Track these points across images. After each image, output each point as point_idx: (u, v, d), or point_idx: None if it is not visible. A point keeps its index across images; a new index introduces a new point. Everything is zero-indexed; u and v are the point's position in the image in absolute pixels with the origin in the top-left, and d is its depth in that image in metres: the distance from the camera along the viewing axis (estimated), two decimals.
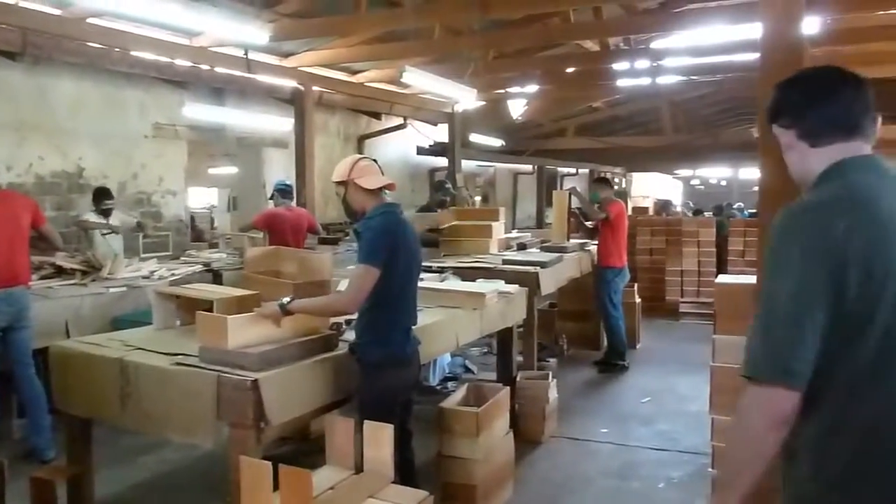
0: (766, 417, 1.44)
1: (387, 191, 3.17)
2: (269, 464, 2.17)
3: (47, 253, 4.92)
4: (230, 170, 11.80)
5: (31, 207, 4.56)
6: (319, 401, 2.96)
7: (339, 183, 3.13)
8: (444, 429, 3.74)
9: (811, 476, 1.51)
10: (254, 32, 5.72)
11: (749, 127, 14.37)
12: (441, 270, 5.30)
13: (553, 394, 5.12)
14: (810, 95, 1.63)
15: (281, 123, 9.14)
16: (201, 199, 16.29)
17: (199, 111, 8.42)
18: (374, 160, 3.22)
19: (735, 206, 18.19)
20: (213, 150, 10.56)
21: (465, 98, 8.41)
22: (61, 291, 5.03)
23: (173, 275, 5.84)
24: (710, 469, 3.63)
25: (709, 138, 15.16)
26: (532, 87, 10.69)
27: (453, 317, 4.11)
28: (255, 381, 2.66)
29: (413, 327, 3.19)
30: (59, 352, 3.24)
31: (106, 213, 6.80)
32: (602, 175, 8.82)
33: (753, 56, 6.91)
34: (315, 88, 8.92)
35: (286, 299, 2.93)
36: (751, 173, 28.87)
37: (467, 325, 4.23)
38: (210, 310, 3.11)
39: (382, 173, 3.19)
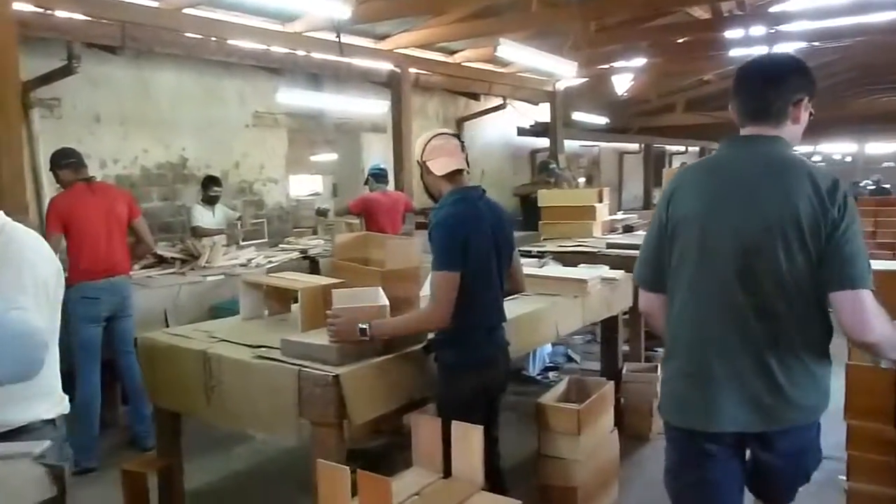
0: None
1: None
2: (347, 470, 1.98)
3: (138, 252, 4.89)
4: (331, 156, 11.89)
5: (127, 199, 4.60)
6: (405, 397, 2.75)
7: (418, 163, 2.87)
8: (543, 426, 3.48)
9: None
10: (337, 6, 5.56)
11: (881, 97, 13.26)
12: (540, 255, 5.03)
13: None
14: None
15: (378, 107, 9.04)
16: (306, 186, 16.56)
17: (296, 98, 8.42)
18: (455, 135, 2.90)
19: (867, 183, 16.54)
20: (314, 137, 10.61)
21: (566, 71, 8.02)
22: (160, 280, 5.09)
23: (270, 262, 5.83)
24: (841, 478, 3.17)
25: (832, 111, 14.09)
26: (638, 61, 10.17)
27: (553, 305, 3.83)
28: (337, 376, 2.49)
29: (502, 323, 2.87)
30: (147, 344, 3.18)
31: (213, 201, 6.90)
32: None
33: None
34: (412, 70, 8.78)
35: (363, 325, 2.62)
36: (880, 147, 26.90)
37: (568, 314, 3.93)
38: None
39: (463, 149, 2.85)
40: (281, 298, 3.49)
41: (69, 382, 4.26)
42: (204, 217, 6.82)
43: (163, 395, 3.13)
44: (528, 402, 3.74)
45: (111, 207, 4.40)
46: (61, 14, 5.62)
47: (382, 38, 8.13)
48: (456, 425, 2.47)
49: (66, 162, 4.43)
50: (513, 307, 3.55)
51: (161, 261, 5.53)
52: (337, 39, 6.76)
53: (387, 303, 2.86)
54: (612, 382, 3.93)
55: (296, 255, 6.07)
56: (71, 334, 4.24)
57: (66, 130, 6.64)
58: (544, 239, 6.00)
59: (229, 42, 6.86)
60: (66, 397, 2.28)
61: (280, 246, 6.76)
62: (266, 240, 7.56)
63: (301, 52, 7.60)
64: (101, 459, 4.24)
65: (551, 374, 5.78)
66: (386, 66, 8.48)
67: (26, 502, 1.69)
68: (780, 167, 1.98)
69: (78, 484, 3.88)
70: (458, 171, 2.80)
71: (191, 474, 3.46)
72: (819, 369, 2.03)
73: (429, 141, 2.82)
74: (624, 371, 4.77)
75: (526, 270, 4.19)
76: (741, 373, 2.00)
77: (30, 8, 5.42)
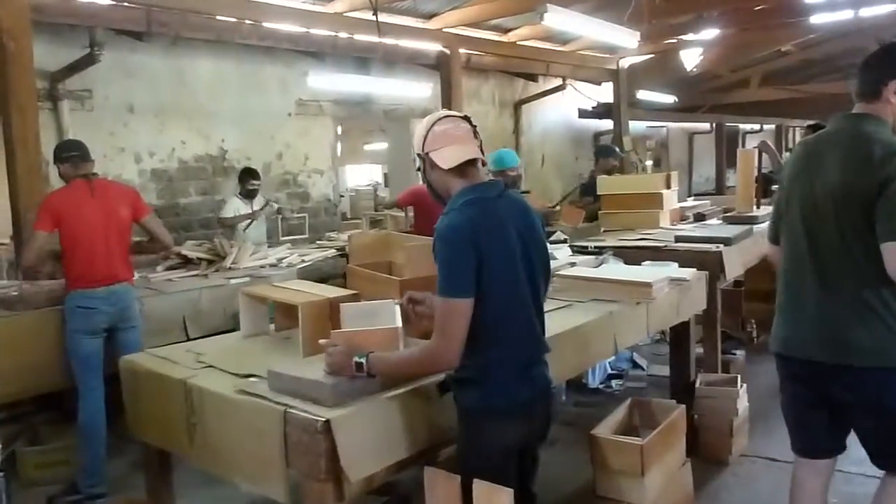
0: None
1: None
2: None
3: (156, 250, 4.49)
4: (383, 145, 11.47)
5: (131, 197, 4.15)
6: (415, 446, 2.20)
7: (418, 156, 2.24)
8: (599, 463, 2.91)
9: None
10: None
11: None
12: (598, 251, 4.41)
13: (743, 403, 4.11)
14: None
15: (428, 92, 8.49)
16: (361, 176, 16.27)
17: (342, 83, 7.94)
18: (465, 117, 2.25)
19: None
20: (366, 125, 10.21)
21: (626, 42, 7.25)
22: (179, 284, 4.68)
23: (303, 261, 5.38)
24: None
25: None
26: (708, 33, 9.33)
27: (610, 315, 3.22)
28: (327, 422, 1.98)
29: (543, 356, 2.25)
30: (128, 367, 2.74)
31: (251, 195, 6.54)
32: (814, 123, 7.36)
33: None
34: (462, 51, 8.20)
35: (360, 359, 2.09)
36: None
37: (629, 325, 3.31)
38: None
39: (477, 135, 2.21)
40: (289, 311, 2.99)
41: (73, 399, 3.98)
42: (240, 210, 6.45)
43: (145, 428, 2.69)
44: (587, 416, 3.17)
45: (111, 208, 3.97)
46: None
47: (430, 16, 7.59)
48: (479, 486, 1.94)
49: (67, 155, 4.02)
50: (561, 319, 2.98)
51: (186, 261, 5.14)
52: (374, 16, 6.23)
53: (399, 325, 2.33)
54: (682, 407, 3.32)
55: (332, 253, 5.60)
56: (69, 348, 3.87)
57: (98, 123, 6.35)
58: (604, 231, 5.35)
59: (264, 25, 6.44)
60: None
61: (317, 243, 6.30)
62: (307, 235, 7.15)
63: (343, 35, 7.13)
64: (108, 485, 3.86)
65: (615, 383, 5.17)
66: (434, 47, 7.93)
67: None
68: (849, 140, 2.37)
69: None
70: (471, 163, 2.17)
71: None
72: (871, 317, 2.31)
73: (431, 127, 2.20)
74: (698, 383, 4.14)
75: (578, 272, 3.64)
76: (809, 312, 2.45)
77: None
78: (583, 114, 11.82)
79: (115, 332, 3.95)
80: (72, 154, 4.01)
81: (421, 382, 2.23)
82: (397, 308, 2.49)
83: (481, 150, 2.21)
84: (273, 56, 7.53)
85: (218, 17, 6.08)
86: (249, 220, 6.38)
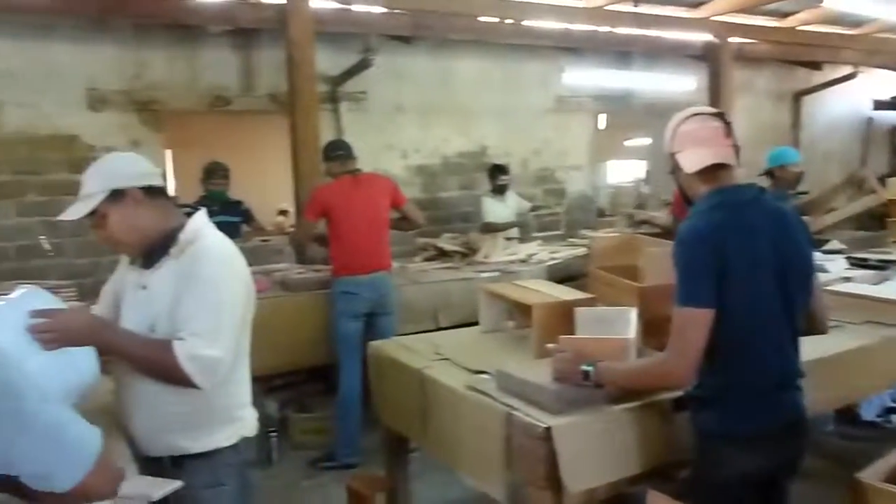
0: None
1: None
2: None
3: (404, 230, 4.79)
4: (644, 141, 11.10)
5: (391, 188, 4.46)
6: (642, 464, 2.09)
7: (670, 155, 2.09)
8: None
9: None
10: None
11: None
12: (881, 265, 3.88)
13: None
14: None
15: (692, 84, 8.05)
16: (624, 172, 15.90)
17: (600, 78, 7.81)
18: (718, 114, 2.07)
19: None
20: (626, 120, 9.93)
21: None
22: (433, 275, 4.91)
23: (553, 259, 5.38)
24: None
25: None
26: None
27: (889, 340, 2.82)
28: (548, 428, 1.95)
29: (797, 380, 2.02)
30: (374, 353, 2.93)
31: (501, 190, 6.67)
32: None
33: None
34: (733, 40, 7.65)
35: (587, 367, 2.02)
36: None
37: None
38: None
39: (729, 134, 2.01)
40: (527, 310, 3.00)
41: (335, 375, 4.34)
42: (495, 208, 6.59)
43: (386, 412, 2.85)
44: (854, 452, 2.79)
45: (375, 201, 4.30)
46: (358, 9, 5.72)
47: (696, 5, 7.17)
48: None
49: (334, 154, 4.42)
50: (826, 341, 2.65)
51: (442, 254, 5.38)
52: (633, 6, 6.02)
53: (632, 335, 2.23)
54: None
55: (583, 251, 5.52)
56: (332, 328, 4.24)
57: (371, 122, 6.86)
58: (893, 241, 4.69)
59: (524, 24, 6.52)
60: (253, 419, 2.08)
61: (570, 240, 6.26)
62: (561, 232, 7.13)
63: (604, 29, 7.00)
64: (362, 456, 4.16)
65: (895, 418, 4.53)
66: (701, 37, 7.48)
67: None
68: None
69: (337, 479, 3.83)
70: (720, 167, 1.99)
71: (418, 495, 3.15)
72: None
73: (677, 126, 2.06)
74: None
75: (853, 289, 3.23)
76: None
77: (329, 5, 5.59)
78: (879, 105, 10.48)
79: (373, 316, 4.26)
80: (339, 153, 4.40)
81: (654, 398, 2.11)
82: (634, 317, 2.39)
83: (736, 150, 2.04)
84: (533, 53, 7.60)
85: (480, 19, 6.27)
86: (511, 227, 6.48)
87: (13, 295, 1.81)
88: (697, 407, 2.00)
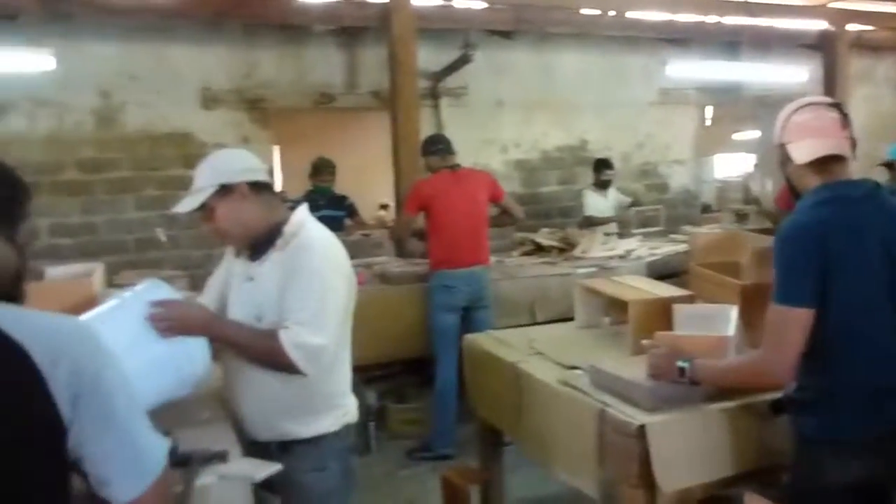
0: None
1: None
2: None
3: (503, 225, 4.82)
4: (753, 134, 10.68)
5: (489, 183, 4.48)
6: (739, 466, 2.03)
7: (778, 147, 1.99)
8: None
9: None
10: None
11: None
12: None
13: None
14: None
15: (804, 75, 7.68)
16: (729, 167, 15.39)
17: (709, 70, 7.57)
18: (835, 104, 1.96)
19: None
20: (734, 113, 9.59)
21: None
22: (530, 270, 4.91)
23: (652, 255, 5.27)
24: None
25: None
26: None
27: None
28: (642, 426, 1.93)
29: None
30: (469, 346, 2.97)
31: (604, 185, 6.60)
32: None
33: None
34: (850, 27, 7.26)
35: (683, 364, 1.98)
36: None
37: None
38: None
39: (846, 126, 1.90)
40: (623, 306, 2.97)
41: (432, 367, 4.41)
42: (596, 203, 6.52)
43: (481, 404, 2.89)
44: None
45: (473, 195, 4.33)
46: (459, 4, 5.77)
47: None
48: None
49: (434, 148, 4.47)
50: None
51: (539, 248, 5.37)
52: None
53: (731, 333, 2.17)
54: None
55: (684, 247, 5.38)
56: (430, 321, 4.31)
57: (471, 117, 6.90)
58: None
59: (627, 15, 6.40)
60: (354, 407, 2.15)
61: (671, 236, 6.11)
62: (662, 227, 6.97)
63: (711, 19, 6.79)
64: (457, 448, 4.22)
65: None
66: (815, 25, 7.14)
67: None
68: None
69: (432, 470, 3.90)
70: (834, 159, 1.89)
71: (512, 488, 3.17)
72: None
73: (790, 116, 1.96)
74: None
75: None
76: None
77: (431, 2, 5.66)
78: None
79: (470, 310, 4.30)
80: (438, 147, 4.46)
81: (752, 398, 2.05)
82: (734, 315, 2.32)
83: (852, 143, 1.95)
84: (635, 45, 7.46)
85: (581, 11, 6.21)
86: (609, 221, 6.41)
87: (138, 287, 1.95)
88: (798, 410, 1.92)
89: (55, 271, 3.13)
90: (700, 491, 2.00)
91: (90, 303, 2.20)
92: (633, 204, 6.86)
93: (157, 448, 1.21)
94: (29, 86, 5.38)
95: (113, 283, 3.52)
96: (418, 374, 5.01)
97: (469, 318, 4.29)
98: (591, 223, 6.36)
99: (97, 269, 2.98)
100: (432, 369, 4.39)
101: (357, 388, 2.24)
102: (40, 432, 1.06)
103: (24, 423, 1.05)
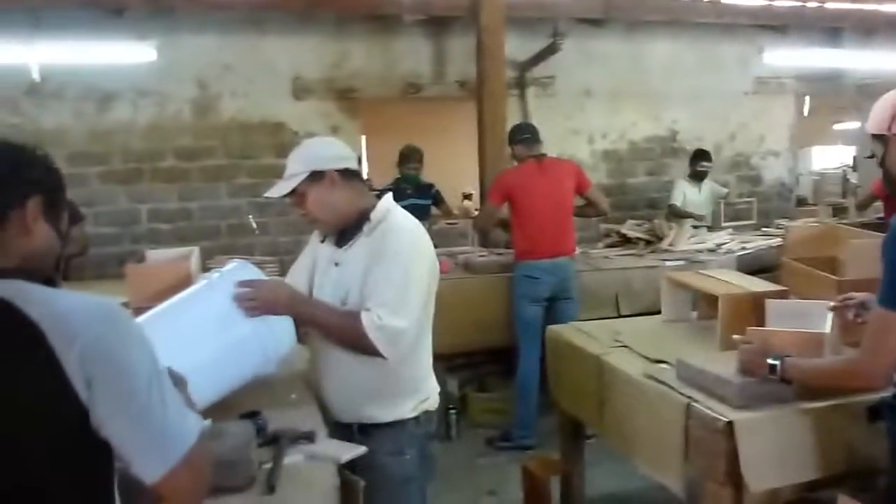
0: None
1: None
2: None
3: (589, 216, 4.77)
4: (855, 124, 10.20)
5: (575, 173, 4.43)
6: (831, 468, 1.95)
7: (875, 137, 1.89)
8: None
9: None
10: None
11: None
12: None
13: None
14: None
15: None
16: (827, 159, 14.74)
17: (808, 58, 7.25)
18: None
19: None
20: (835, 102, 9.17)
21: None
22: (616, 262, 4.84)
23: (743, 249, 5.11)
24: None
25: None
26: None
27: None
28: (730, 423, 1.88)
29: None
30: (552, 337, 2.96)
31: (700, 177, 6.42)
32: None
33: None
34: None
35: (774, 361, 1.92)
36: None
37: None
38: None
39: None
40: (712, 301, 2.90)
41: (515, 357, 4.41)
42: (689, 194, 6.35)
43: (563, 396, 2.88)
44: None
45: (559, 185, 4.28)
46: None
47: None
48: None
49: (521, 137, 4.44)
50: None
51: (625, 240, 5.29)
52: None
53: (826, 331, 2.09)
54: None
55: (777, 241, 5.19)
56: (513, 311, 4.30)
57: (558, 107, 6.83)
58: None
59: (722, 1, 6.20)
60: (435, 394, 2.18)
61: (763, 230, 5.90)
62: (754, 221, 6.73)
63: (812, 4, 6.50)
64: (537, 438, 4.21)
65: None
66: None
67: None
68: None
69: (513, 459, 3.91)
70: None
71: (593, 481, 3.14)
72: None
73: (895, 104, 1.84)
74: None
75: None
76: None
77: None
78: None
79: (554, 301, 4.28)
80: (525, 136, 4.42)
81: (845, 399, 1.97)
82: (830, 311, 2.23)
83: None
84: (731, 33, 7.20)
85: None
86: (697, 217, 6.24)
87: (225, 267, 2.04)
88: (894, 416, 1.83)
89: (156, 254, 3.31)
90: (789, 492, 1.95)
91: (187, 284, 2.31)
92: (726, 196, 6.66)
93: (185, 428, 1.16)
94: (132, 77, 5.64)
95: (207, 268, 3.67)
96: (501, 363, 5.02)
97: (553, 310, 4.27)
98: (674, 213, 6.21)
99: (194, 253, 3.12)
100: (515, 359, 4.39)
101: (439, 377, 2.27)
102: (57, 411, 1.06)
103: (38, 401, 1.05)
